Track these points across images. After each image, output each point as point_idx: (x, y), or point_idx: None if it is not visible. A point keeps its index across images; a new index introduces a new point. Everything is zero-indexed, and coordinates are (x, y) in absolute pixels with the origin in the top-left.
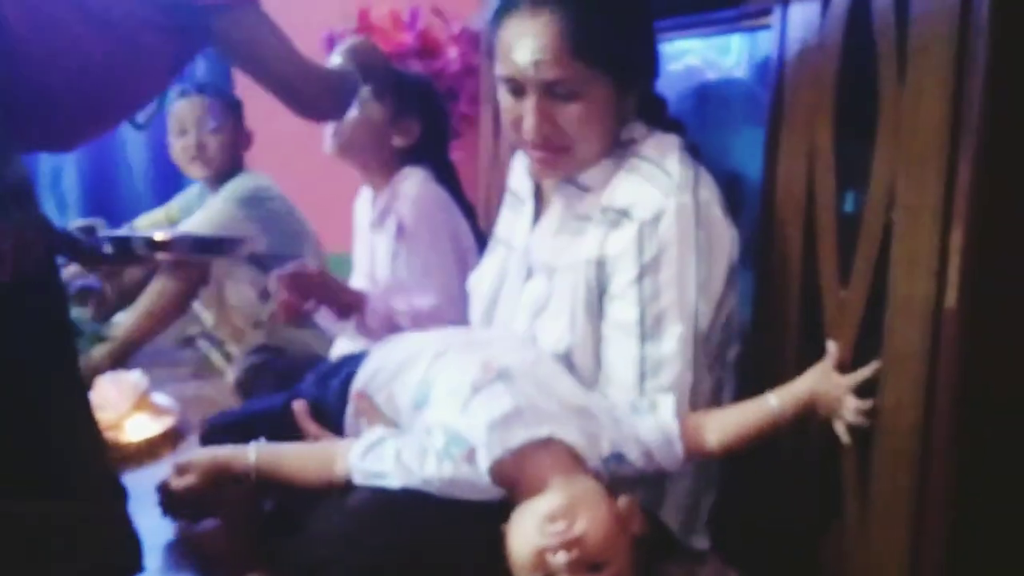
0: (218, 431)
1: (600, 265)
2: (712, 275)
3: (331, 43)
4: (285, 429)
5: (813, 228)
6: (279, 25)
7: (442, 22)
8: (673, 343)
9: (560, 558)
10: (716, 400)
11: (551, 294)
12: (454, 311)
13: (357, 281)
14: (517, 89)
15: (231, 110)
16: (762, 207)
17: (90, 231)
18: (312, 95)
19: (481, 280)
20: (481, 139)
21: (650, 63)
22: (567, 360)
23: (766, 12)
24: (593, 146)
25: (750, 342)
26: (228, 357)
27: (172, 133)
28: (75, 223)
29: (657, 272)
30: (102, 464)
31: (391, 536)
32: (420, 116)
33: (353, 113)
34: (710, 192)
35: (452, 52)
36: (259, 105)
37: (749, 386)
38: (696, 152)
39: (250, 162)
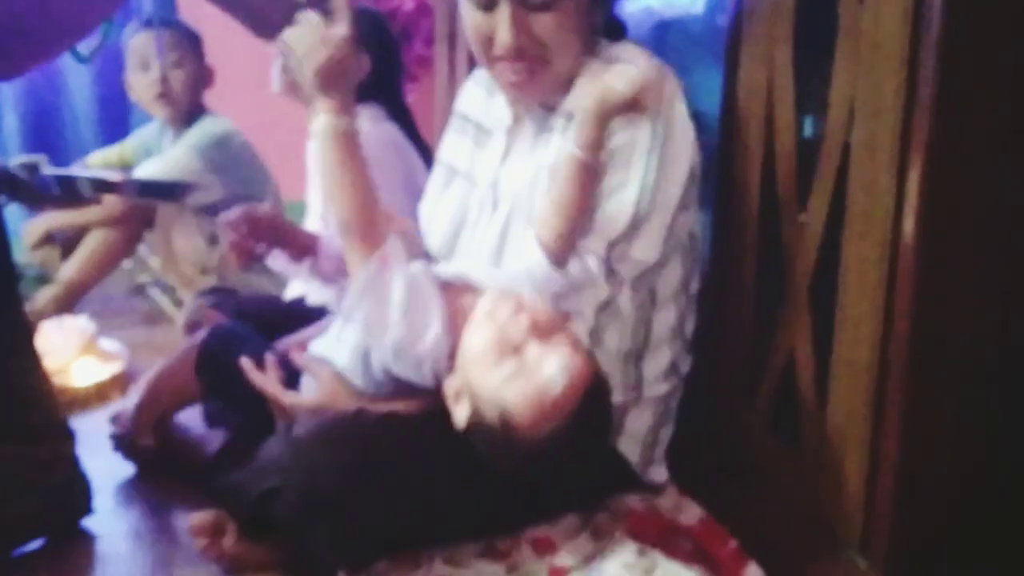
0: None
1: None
2: (665, 173)
3: None
4: None
5: (772, 153)
6: None
7: None
8: (608, 218)
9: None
10: (681, 334)
11: (516, 215)
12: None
13: (311, 224)
14: (487, 3)
15: (192, 44)
16: (721, 134)
17: (33, 169)
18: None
19: (436, 214)
20: (436, 80)
21: None
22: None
23: None
24: (568, 59)
25: (709, 269)
26: (178, 304)
27: (132, 69)
28: (17, 160)
29: (612, 153)
30: (50, 407)
31: (335, 459)
32: (369, 51)
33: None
34: (675, 87)
35: None
36: (211, 43)
37: (707, 314)
38: None
39: (229, 106)
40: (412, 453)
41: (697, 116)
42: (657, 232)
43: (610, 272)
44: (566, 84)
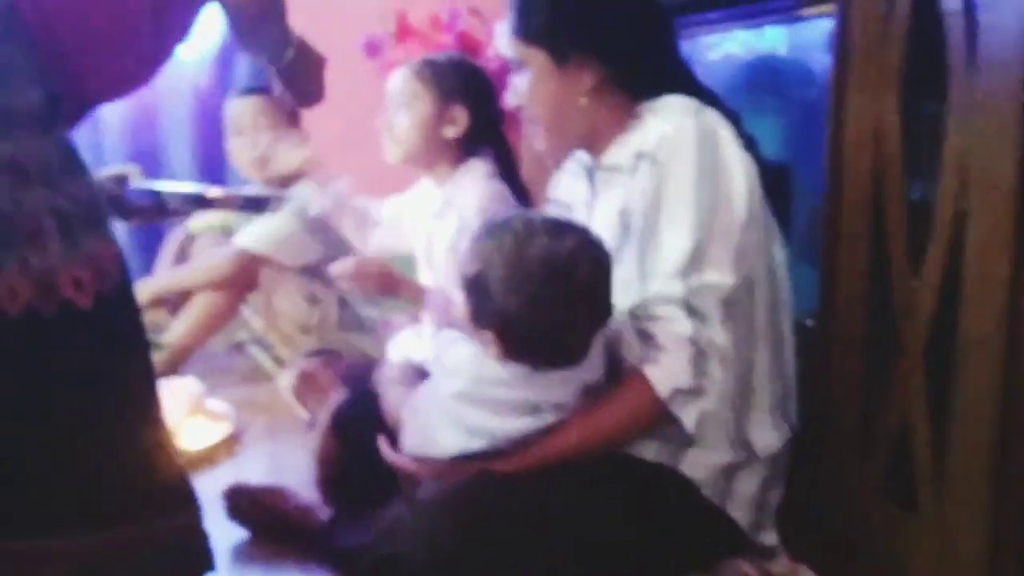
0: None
1: (624, 213)
2: (721, 197)
3: (370, 48)
4: None
5: (881, 210)
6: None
7: (480, 22)
8: (666, 253)
9: None
10: (782, 376)
11: None
12: None
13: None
14: None
15: (287, 110)
16: (827, 195)
17: (122, 181)
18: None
19: None
20: (524, 136)
21: (603, 42)
22: None
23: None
24: (545, 114)
25: (815, 331)
26: (279, 361)
27: (230, 135)
28: (106, 170)
29: (661, 188)
30: (178, 475)
31: (459, 523)
32: (465, 102)
33: (401, 117)
34: (717, 120)
35: (491, 51)
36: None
37: (815, 371)
38: (735, 120)
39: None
40: (533, 517)
41: (786, 165)
42: (726, 254)
43: (691, 309)
44: (587, 139)
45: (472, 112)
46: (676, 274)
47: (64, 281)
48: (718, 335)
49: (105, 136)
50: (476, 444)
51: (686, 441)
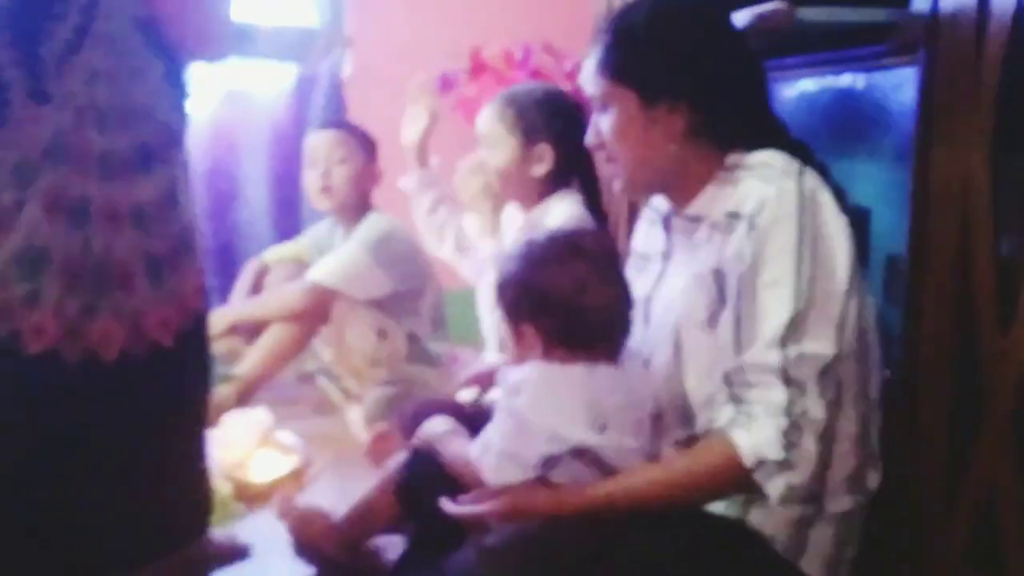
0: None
1: (718, 274)
2: (822, 264)
3: (445, 83)
4: None
5: (969, 271)
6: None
7: (554, 59)
8: (765, 322)
9: None
10: (866, 444)
11: (665, 323)
12: None
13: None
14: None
15: (364, 147)
16: (910, 248)
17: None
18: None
19: None
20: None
21: (697, 85)
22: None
23: (912, 49)
24: (629, 157)
25: (895, 388)
26: (347, 393)
27: (305, 166)
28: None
29: (756, 256)
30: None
31: (528, 570)
32: (550, 139)
33: (489, 158)
34: (817, 183)
35: (565, 88)
36: (389, 142)
37: (897, 432)
38: (824, 172)
39: (377, 198)
40: (599, 568)
41: (866, 213)
42: (826, 323)
43: (788, 379)
44: (668, 185)
45: (558, 148)
46: (774, 343)
47: (151, 322)
48: (814, 408)
49: None
50: (556, 449)
51: (757, 496)
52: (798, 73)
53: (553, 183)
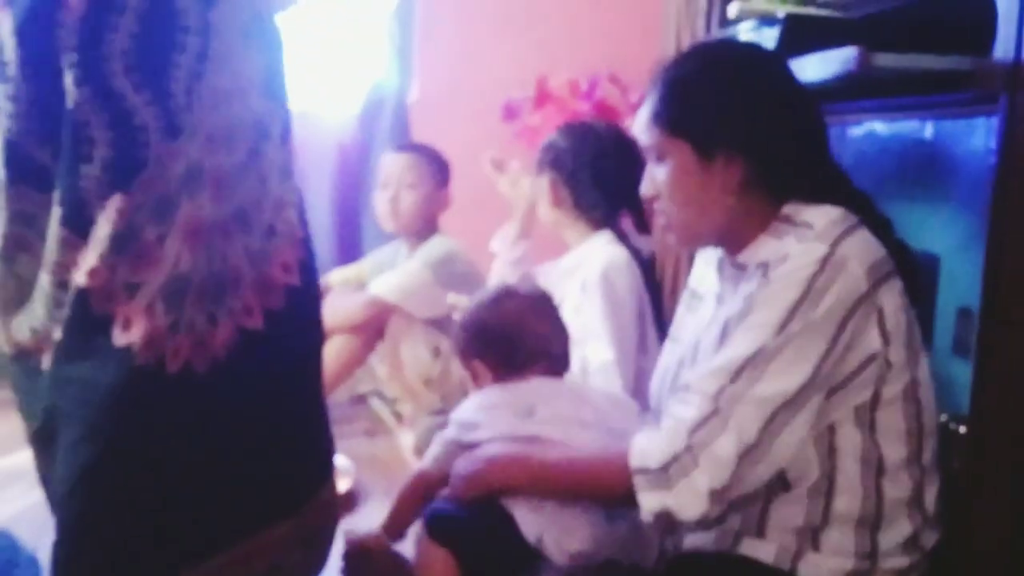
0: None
1: (727, 322)
2: (813, 325)
3: (510, 110)
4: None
5: None
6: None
7: (619, 90)
8: (732, 354)
9: None
10: (920, 507)
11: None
12: (627, 366)
13: None
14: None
15: (435, 172)
16: (983, 299)
17: None
18: None
19: (655, 375)
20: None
21: (754, 137)
22: None
23: (992, 99)
24: (682, 209)
25: (967, 442)
26: (399, 416)
27: (378, 186)
28: None
29: (758, 298)
30: None
31: None
32: (550, 172)
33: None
34: (856, 249)
35: (629, 120)
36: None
37: (963, 491)
38: (885, 225)
39: (445, 222)
40: None
41: (933, 258)
42: (795, 372)
43: (714, 409)
44: (724, 237)
45: (558, 178)
46: (720, 373)
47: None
48: (726, 445)
49: None
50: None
51: (807, 544)
52: (869, 116)
53: (599, 219)
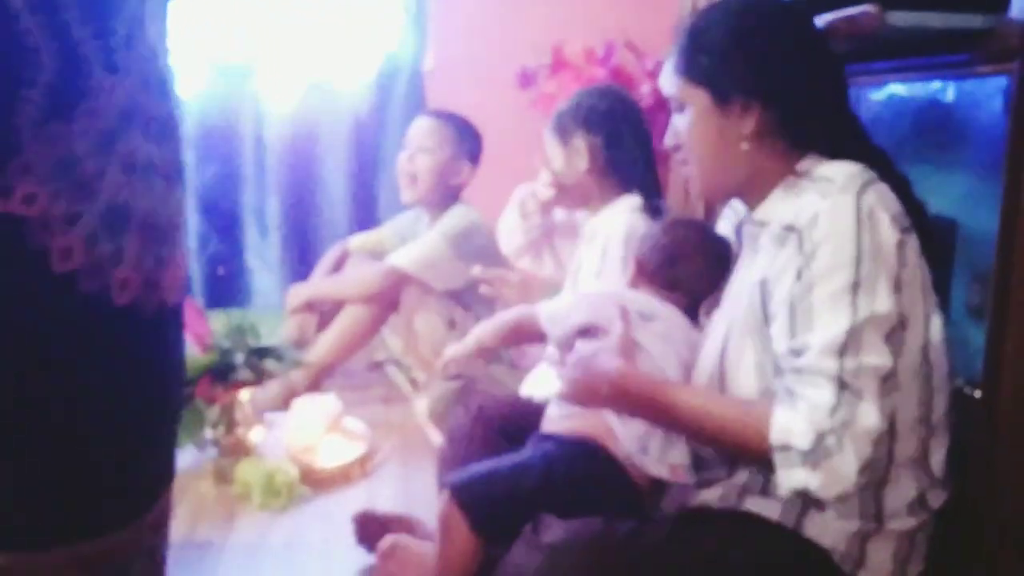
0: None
1: (763, 285)
2: (877, 281)
3: (525, 78)
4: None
5: None
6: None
7: (635, 57)
8: (822, 331)
9: None
10: (926, 467)
11: (707, 334)
12: None
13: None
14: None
15: (458, 141)
16: (997, 262)
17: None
18: None
19: None
20: (672, 174)
21: (770, 85)
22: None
23: (1008, 57)
24: (702, 156)
25: (982, 406)
26: (414, 384)
27: (404, 148)
28: None
29: (811, 270)
30: None
31: (590, 568)
32: (582, 131)
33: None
34: (877, 201)
35: (645, 87)
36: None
37: (978, 456)
38: (903, 184)
39: (470, 189)
40: (656, 572)
41: (953, 222)
42: (882, 338)
43: (843, 385)
44: (742, 188)
45: (592, 141)
46: (831, 351)
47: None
48: (869, 415)
49: (267, 155)
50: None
51: (812, 504)
52: (885, 78)
53: (612, 184)
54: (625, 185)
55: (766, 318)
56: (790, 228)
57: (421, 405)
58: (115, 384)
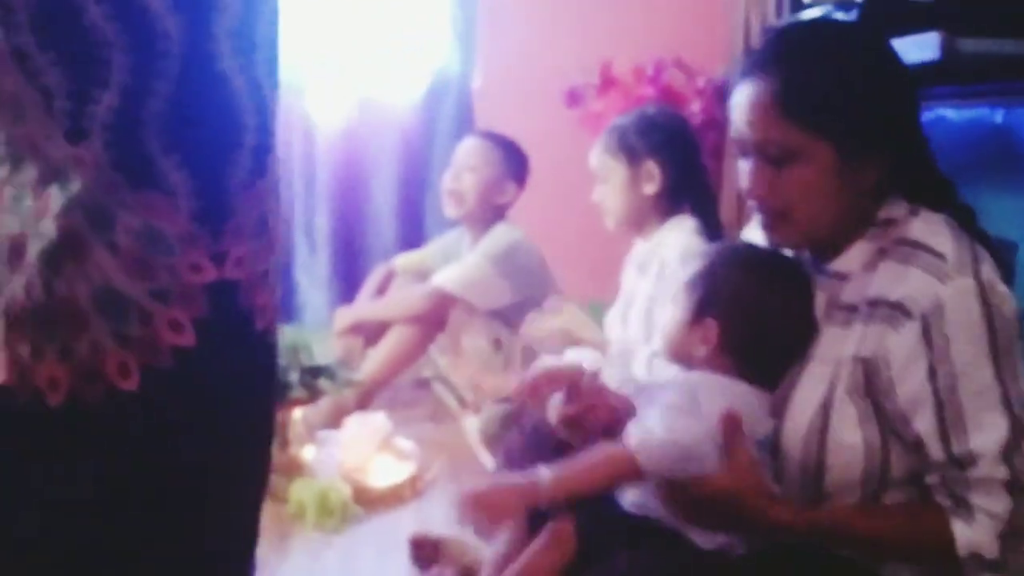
0: None
1: (869, 364)
2: (1016, 367)
3: (573, 96)
4: None
5: None
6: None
7: (685, 75)
8: (985, 435)
9: None
10: None
11: (797, 386)
12: None
13: (609, 321)
14: (743, 151)
15: (503, 161)
16: None
17: None
18: None
19: None
20: (723, 193)
21: (895, 134)
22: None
23: None
24: (811, 216)
25: None
26: (462, 402)
27: (450, 167)
28: None
29: (950, 365)
30: None
31: None
32: (657, 157)
33: (606, 189)
34: (991, 268)
35: (695, 105)
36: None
37: None
38: (970, 217)
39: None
40: None
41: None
42: None
43: (1013, 488)
44: (822, 235)
45: (664, 165)
46: (999, 458)
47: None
48: None
49: (317, 172)
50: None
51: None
52: (945, 103)
53: (669, 205)
54: (682, 208)
55: (870, 390)
56: (898, 308)
57: (471, 425)
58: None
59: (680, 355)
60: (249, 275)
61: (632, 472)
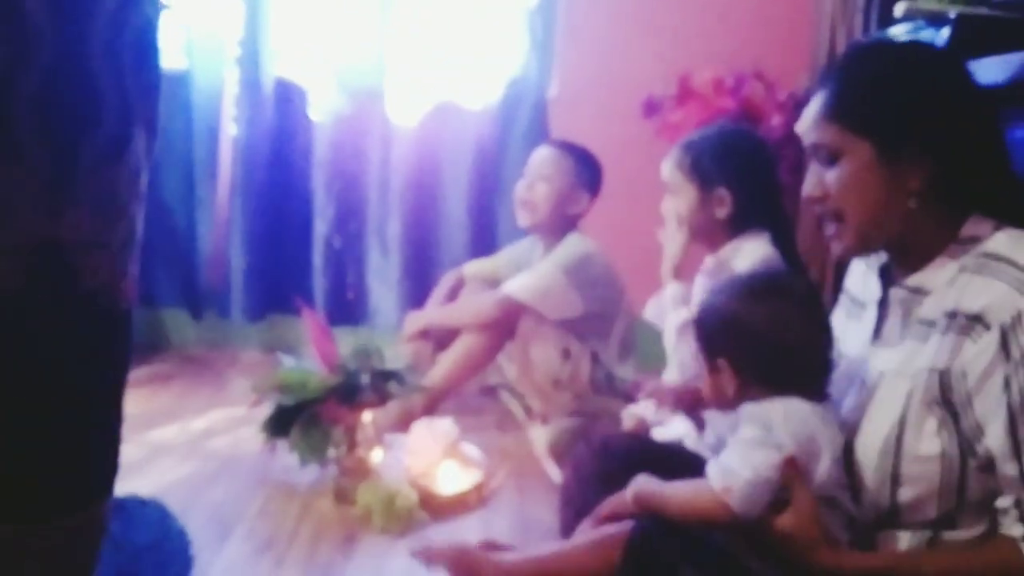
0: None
1: (946, 376)
2: None
3: (651, 107)
4: None
5: None
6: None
7: (765, 88)
8: None
9: None
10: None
11: (873, 399)
12: None
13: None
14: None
15: (576, 171)
16: None
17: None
18: None
19: None
20: (802, 208)
21: (938, 139)
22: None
23: None
24: (861, 211)
25: None
26: (529, 411)
27: (524, 175)
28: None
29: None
30: None
31: None
32: (729, 183)
33: (675, 204)
34: None
35: (775, 119)
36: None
37: None
38: None
39: (589, 221)
40: None
41: None
42: None
43: None
44: (899, 246)
45: (737, 191)
46: None
47: None
48: None
49: (392, 176)
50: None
51: None
52: None
53: (739, 225)
54: (747, 223)
55: (945, 402)
56: (977, 319)
57: (539, 436)
58: (109, 380)
59: (722, 403)
60: (80, 239)
61: (726, 516)
